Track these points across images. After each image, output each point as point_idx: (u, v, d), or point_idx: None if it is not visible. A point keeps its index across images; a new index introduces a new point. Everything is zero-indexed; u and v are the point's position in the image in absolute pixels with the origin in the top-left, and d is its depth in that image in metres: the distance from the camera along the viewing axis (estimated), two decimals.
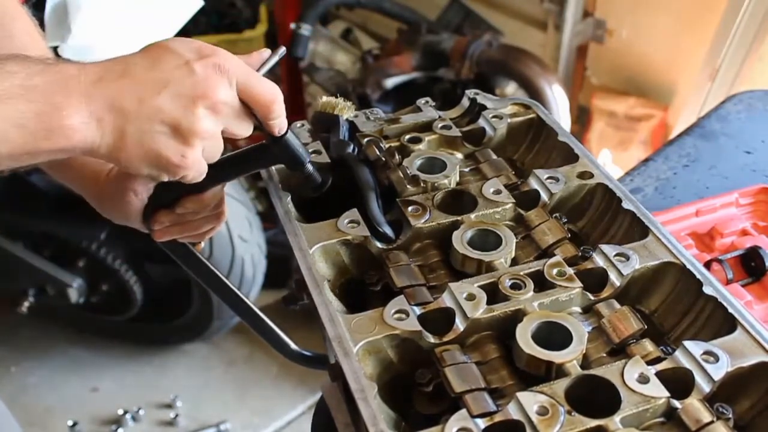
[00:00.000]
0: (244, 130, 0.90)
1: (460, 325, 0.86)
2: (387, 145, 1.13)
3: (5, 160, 0.79)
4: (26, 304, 2.76)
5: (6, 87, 0.76)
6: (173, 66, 0.83)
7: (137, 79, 0.82)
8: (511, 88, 3.02)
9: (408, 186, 1.06)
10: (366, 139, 1.13)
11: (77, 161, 1.09)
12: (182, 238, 1.09)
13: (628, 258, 0.94)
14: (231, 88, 0.85)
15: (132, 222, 1.06)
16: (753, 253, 1.23)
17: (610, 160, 3.15)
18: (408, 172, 1.07)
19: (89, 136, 0.81)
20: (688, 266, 0.93)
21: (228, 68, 0.85)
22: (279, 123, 0.92)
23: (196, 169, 0.88)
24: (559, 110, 2.83)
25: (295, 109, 3.83)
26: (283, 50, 0.97)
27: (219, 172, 1.00)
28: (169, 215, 1.04)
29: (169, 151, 0.84)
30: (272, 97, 0.89)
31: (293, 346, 1.20)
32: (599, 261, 0.94)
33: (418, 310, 0.88)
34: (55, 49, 1.59)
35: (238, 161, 1.00)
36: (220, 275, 1.15)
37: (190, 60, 0.83)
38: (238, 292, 1.17)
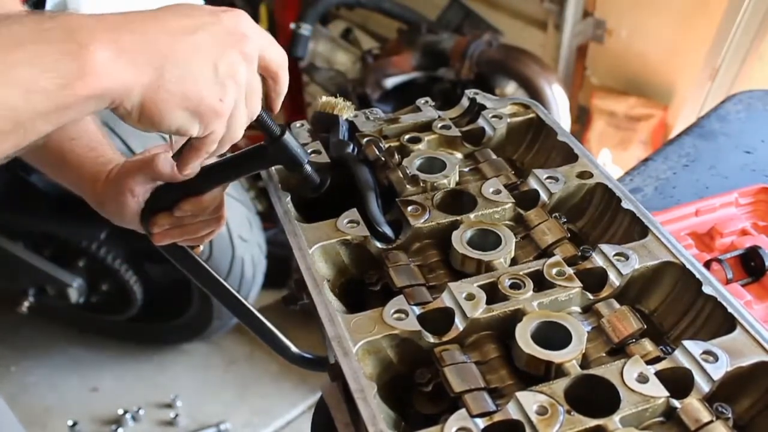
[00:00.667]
0: (257, 100, 0.87)
1: (459, 324, 0.86)
2: (386, 145, 1.13)
3: (37, 119, 0.70)
4: (26, 304, 2.77)
5: (15, 31, 0.68)
6: (201, 14, 0.81)
7: (168, 22, 0.78)
8: (511, 88, 3.02)
9: (407, 186, 1.06)
10: (365, 139, 1.13)
11: (75, 161, 1.09)
12: (181, 242, 1.09)
13: (627, 258, 0.94)
14: (255, 44, 0.84)
15: (130, 223, 1.06)
16: (753, 252, 1.23)
17: (610, 160, 3.15)
18: (407, 172, 1.07)
19: (122, 76, 0.73)
20: (688, 266, 0.93)
21: (252, 25, 0.84)
22: (281, 96, 0.91)
23: (232, 123, 0.85)
24: (559, 110, 2.83)
25: (295, 109, 3.83)
26: None
27: (218, 173, 1.01)
28: (168, 218, 1.03)
29: (210, 92, 0.80)
30: (284, 62, 0.88)
31: (293, 348, 1.20)
32: (599, 261, 0.94)
33: (417, 310, 0.88)
34: None
35: (237, 163, 1.00)
36: (219, 278, 1.15)
37: (216, 10, 0.82)
38: (238, 295, 1.17)
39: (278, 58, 0.88)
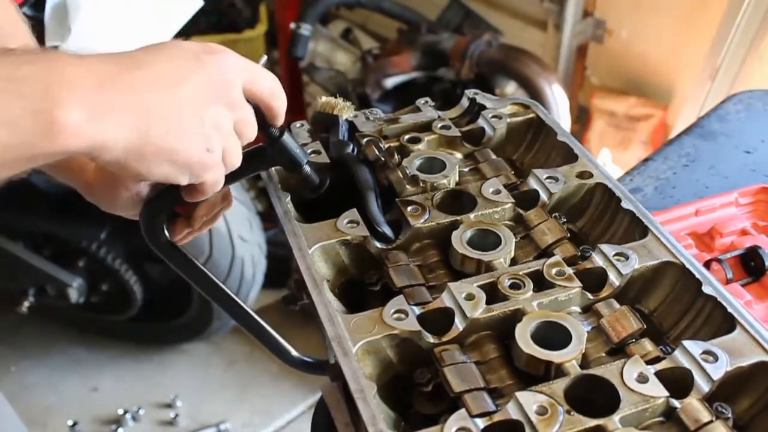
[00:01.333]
0: (251, 130, 0.87)
1: (459, 324, 0.86)
2: (386, 145, 1.13)
3: None
4: (26, 304, 2.77)
5: None
6: (185, 59, 0.79)
7: (152, 72, 0.75)
8: (511, 88, 3.02)
9: (407, 186, 1.06)
10: (365, 139, 1.13)
11: None
12: (197, 232, 1.09)
13: (627, 258, 0.94)
14: (239, 86, 0.83)
15: (120, 212, 1.04)
16: (753, 252, 1.23)
17: (610, 160, 3.15)
18: (407, 172, 1.07)
19: (100, 135, 0.69)
20: (688, 266, 0.93)
21: (235, 64, 0.83)
22: (280, 119, 0.91)
23: (216, 172, 0.84)
24: (559, 110, 2.83)
25: (295, 109, 3.83)
26: (264, 59, 0.97)
27: None
28: (186, 225, 1.04)
29: (196, 145, 0.79)
30: (274, 90, 0.88)
31: (294, 352, 1.20)
32: (598, 261, 0.94)
33: (417, 310, 0.88)
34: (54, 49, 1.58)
35: None
36: (217, 281, 1.15)
37: (199, 53, 0.80)
38: (237, 299, 1.16)
39: (267, 88, 0.87)
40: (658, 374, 0.79)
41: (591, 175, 1.08)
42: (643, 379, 0.78)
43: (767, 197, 1.38)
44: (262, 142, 0.96)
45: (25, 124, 0.65)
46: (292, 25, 3.38)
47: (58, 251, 2.77)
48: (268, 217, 3.18)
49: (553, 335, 0.84)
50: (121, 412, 2.87)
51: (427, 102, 1.25)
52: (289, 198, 1.06)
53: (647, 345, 0.86)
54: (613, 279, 0.93)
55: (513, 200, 1.04)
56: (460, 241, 0.96)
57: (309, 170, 1.00)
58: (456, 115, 1.24)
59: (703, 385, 0.79)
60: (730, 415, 0.78)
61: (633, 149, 3.13)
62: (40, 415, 2.88)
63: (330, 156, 1.11)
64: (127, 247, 2.74)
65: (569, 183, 1.07)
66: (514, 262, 0.98)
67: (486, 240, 0.98)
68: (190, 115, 0.78)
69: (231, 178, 1.02)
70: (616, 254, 0.94)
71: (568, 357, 0.81)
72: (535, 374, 0.82)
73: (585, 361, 0.85)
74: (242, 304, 1.16)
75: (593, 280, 0.93)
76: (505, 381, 0.84)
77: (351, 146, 1.11)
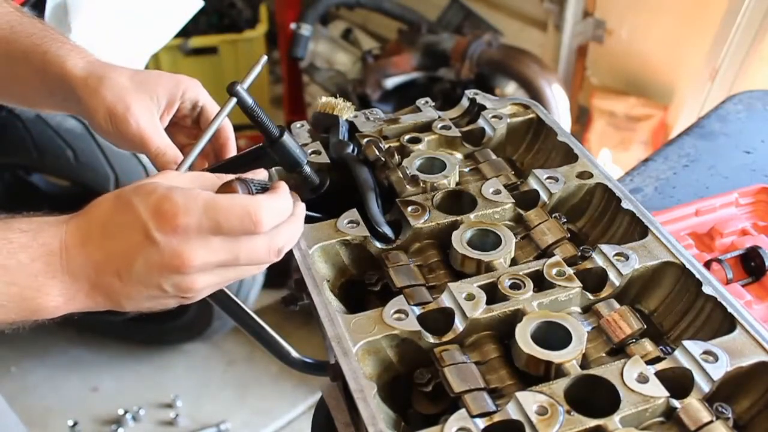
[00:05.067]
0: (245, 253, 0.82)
1: (459, 325, 0.86)
2: (386, 146, 1.13)
3: None
4: None
5: None
6: (135, 238, 0.78)
7: (109, 252, 0.79)
8: (511, 88, 3.02)
9: (407, 186, 1.06)
10: (365, 140, 1.13)
11: (72, 109, 1.08)
12: None
13: (627, 258, 0.94)
14: (203, 241, 0.78)
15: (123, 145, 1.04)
16: (753, 252, 1.23)
17: (610, 160, 3.15)
18: (407, 172, 1.07)
19: (77, 308, 0.80)
20: (688, 266, 0.93)
21: (189, 224, 0.77)
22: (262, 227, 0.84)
23: (203, 295, 0.85)
24: (559, 110, 2.83)
25: (295, 109, 3.83)
26: (264, 59, 0.97)
27: None
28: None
29: (169, 302, 0.83)
30: (246, 219, 0.79)
31: (294, 353, 1.20)
32: (599, 261, 0.94)
33: (417, 310, 0.88)
34: None
35: (237, 164, 1.00)
36: None
37: (149, 228, 0.77)
38: (238, 301, 1.16)
39: (237, 225, 0.79)
40: (659, 374, 0.79)
41: (591, 176, 1.08)
42: (643, 379, 0.78)
43: (767, 197, 1.38)
44: (262, 143, 0.97)
45: (13, 306, 0.76)
46: (293, 26, 3.39)
47: None
48: None
49: (553, 335, 0.84)
50: (121, 412, 2.87)
51: (427, 102, 1.25)
52: None
53: (647, 345, 0.86)
54: (613, 279, 0.93)
55: (513, 200, 1.04)
56: (460, 241, 0.96)
57: (309, 170, 1.00)
58: (456, 116, 1.24)
59: (703, 385, 0.79)
60: (730, 416, 0.78)
61: (633, 149, 3.13)
62: (40, 415, 2.88)
63: (330, 156, 1.11)
64: None
65: (569, 183, 1.07)
66: (514, 262, 0.98)
67: (486, 240, 0.98)
68: (149, 288, 0.80)
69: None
70: (616, 254, 0.94)
71: (568, 357, 0.81)
72: (535, 374, 0.82)
73: (585, 361, 0.85)
74: (242, 304, 1.16)
75: (593, 280, 0.93)
76: (505, 381, 0.84)
77: (351, 146, 1.11)
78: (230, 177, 0.87)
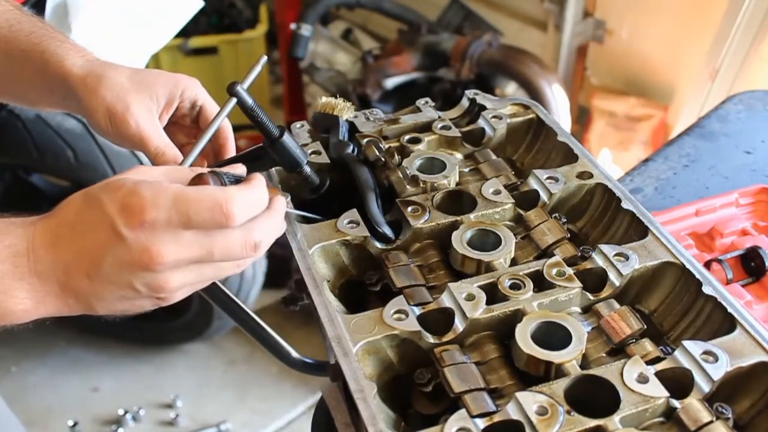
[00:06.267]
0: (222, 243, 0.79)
1: (459, 325, 0.86)
2: (386, 146, 1.13)
3: None
4: None
5: None
6: (102, 235, 0.75)
7: (77, 251, 0.76)
8: (511, 88, 3.02)
9: (407, 186, 1.06)
10: (365, 140, 1.13)
11: (72, 107, 1.07)
12: None
13: (627, 258, 0.94)
14: (173, 236, 0.75)
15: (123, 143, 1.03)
16: (753, 253, 1.23)
17: (610, 160, 3.15)
18: (407, 172, 1.07)
19: (47, 312, 0.78)
20: (688, 266, 0.93)
21: (157, 218, 0.74)
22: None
23: (180, 296, 0.82)
24: (559, 110, 2.83)
25: (295, 109, 3.83)
26: (264, 59, 0.97)
27: None
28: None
29: (143, 303, 0.81)
30: (216, 211, 0.76)
31: (294, 353, 1.20)
32: (599, 261, 0.94)
33: (417, 311, 0.88)
34: None
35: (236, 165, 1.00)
36: (218, 283, 1.15)
37: (116, 224, 0.74)
38: (238, 301, 1.16)
39: (207, 218, 0.77)
40: (659, 374, 0.79)
41: (591, 176, 1.08)
42: (643, 379, 0.78)
43: (767, 197, 1.38)
44: (262, 143, 0.97)
45: None
46: (293, 26, 3.39)
47: None
48: None
49: (553, 335, 0.84)
50: (121, 412, 2.87)
51: (427, 102, 1.25)
52: (289, 198, 1.06)
53: (647, 345, 0.86)
54: (613, 279, 0.93)
55: (513, 200, 1.04)
56: (460, 241, 0.96)
57: (309, 170, 1.00)
58: (456, 116, 1.24)
59: (703, 386, 0.79)
60: (730, 416, 0.78)
61: (633, 149, 3.13)
62: (40, 415, 2.88)
63: (330, 156, 1.11)
64: None
65: (569, 183, 1.07)
66: (514, 262, 0.98)
67: (486, 240, 0.98)
68: (120, 288, 0.78)
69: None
70: (616, 254, 0.94)
71: (568, 357, 0.81)
72: (535, 374, 0.82)
73: (585, 362, 0.85)
74: (242, 305, 1.16)
75: (593, 281, 0.93)
76: (505, 381, 0.84)
77: (351, 147, 1.11)
78: (203, 170, 0.84)
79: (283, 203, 0.87)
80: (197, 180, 0.81)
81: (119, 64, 1.03)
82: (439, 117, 1.21)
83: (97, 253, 0.76)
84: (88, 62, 1.03)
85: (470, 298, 0.88)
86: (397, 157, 1.10)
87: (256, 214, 0.81)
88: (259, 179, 0.84)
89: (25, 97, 1.15)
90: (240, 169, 0.91)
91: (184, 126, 1.10)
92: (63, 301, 0.78)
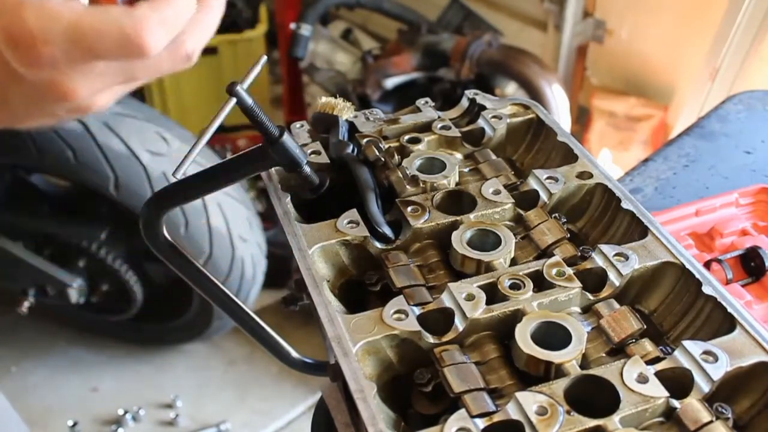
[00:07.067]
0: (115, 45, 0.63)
1: (459, 325, 0.86)
2: (386, 146, 1.13)
3: None
4: (26, 304, 2.77)
5: None
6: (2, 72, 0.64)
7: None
8: (511, 88, 3.03)
9: (407, 186, 1.06)
10: (365, 140, 1.13)
11: None
12: None
13: (627, 258, 0.94)
14: (82, 68, 0.64)
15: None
16: (753, 253, 1.23)
17: (610, 160, 3.16)
18: (407, 172, 1.07)
19: None
20: (688, 266, 0.93)
21: (53, 53, 0.61)
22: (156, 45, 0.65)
23: (112, 102, 0.71)
24: (559, 110, 2.83)
25: (295, 109, 3.83)
26: (264, 59, 0.97)
27: (218, 176, 1.00)
28: None
29: (72, 116, 0.71)
30: (126, 45, 0.62)
31: (294, 354, 1.20)
32: (598, 261, 0.94)
33: (417, 310, 0.88)
34: None
35: (236, 165, 1.00)
36: (217, 283, 1.15)
37: (8, 61, 0.63)
38: (238, 301, 1.16)
39: (114, 47, 0.63)
40: (658, 374, 0.79)
41: (591, 176, 1.08)
42: (643, 379, 0.78)
43: (767, 197, 1.38)
44: (261, 142, 0.97)
45: None
46: (293, 26, 3.39)
47: (58, 251, 2.77)
48: (268, 217, 3.18)
49: (553, 335, 0.84)
50: (121, 412, 2.87)
51: (427, 102, 1.25)
52: (289, 198, 1.06)
53: (647, 345, 0.86)
54: (613, 279, 0.93)
55: (513, 200, 1.04)
56: (460, 241, 0.96)
57: (309, 170, 1.00)
58: (456, 116, 1.24)
59: (703, 386, 0.79)
60: (730, 416, 0.78)
61: (633, 149, 3.13)
62: (40, 415, 2.88)
63: (330, 156, 1.11)
64: (127, 247, 2.75)
65: (569, 183, 1.07)
66: (514, 262, 0.98)
67: (486, 240, 0.98)
68: (41, 117, 0.70)
69: (232, 178, 1.03)
70: (616, 254, 0.94)
71: (568, 357, 0.81)
72: (535, 374, 0.82)
73: (585, 362, 0.85)
74: (242, 305, 1.16)
75: (593, 281, 0.93)
76: (505, 381, 0.84)
77: (351, 147, 1.11)
78: None
79: None
80: None
81: None
82: (439, 117, 1.21)
83: (1, 90, 0.66)
84: None
85: (470, 298, 0.88)
86: (397, 157, 1.10)
87: (180, 29, 0.68)
88: None
89: None
90: None
91: None
92: None
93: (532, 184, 1.07)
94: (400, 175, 1.07)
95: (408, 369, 0.87)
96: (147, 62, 0.67)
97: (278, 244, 3.02)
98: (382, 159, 1.09)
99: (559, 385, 0.78)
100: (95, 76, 0.65)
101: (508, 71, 2.94)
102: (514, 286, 0.91)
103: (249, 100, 0.91)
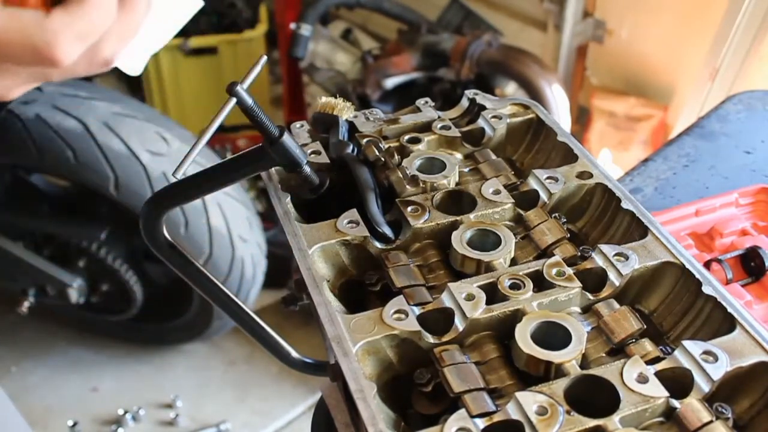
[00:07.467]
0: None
1: (459, 325, 0.86)
2: (386, 146, 1.13)
3: None
4: (26, 304, 2.77)
5: None
6: None
7: None
8: (511, 88, 3.03)
9: (407, 186, 1.06)
10: (365, 140, 1.13)
11: None
12: None
13: (627, 258, 0.94)
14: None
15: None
16: (753, 253, 1.23)
17: (610, 160, 3.16)
18: (407, 172, 1.07)
19: None
20: (688, 266, 0.93)
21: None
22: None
23: (18, 94, 0.70)
24: (559, 110, 2.83)
25: (295, 109, 3.83)
26: (264, 59, 0.97)
27: (218, 176, 1.00)
28: None
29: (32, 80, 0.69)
30: (37, 57, 0.60)
31: (294, 354, 1.20)
32: (598, 261, 0.94)
33: (417, 310, 0.88)
34: None
35: (236, 165, 1.00)
36: (217, 283, 1.15)
37: None
38: (238, 301, 1.16)
39: (27, 48, 0.61)
40: (658, 374, 0.79)
41: (591, 176, 1.08)
42: (643, 379, 0.78)
43: (767, 197, 1.38)
44: (261, 142, 0.97)
45: None
46: (292, 26, 3.39)
47: (58, 251, 2.77)
48: (268, 217, 3.18)
49: (553, 335, 0.84)
50: (121, 412, 2.88)
51: (427, 102, 1.25)
52: (289, 198, 1.06)
53: (647, 345, 0.86)
54: (613, 279, 0.93)
55: (513, 200, 1.04)
56: (460, 241, 0.96)
57: (309, 170, 1.00)
58: (456, 116, 1.24)
59: (703, 386, 0.79)
60: (730, 416, 0.78)
61: (633, 149, 3.13)
62: (40, 415, 2.88)
63: (330, 156, 1.11)
64: (127, 247, 2.75)
65: (569, 183, 1.07)
66: (514, 262, 0.98)
67: (486, 240, 0.98)
68: None
69: (232, 178, 1.02)
70: (616, 254, 0.94)
71: (568, 357, 0.81)
72: (535, 374, 0.82)
73: (585, 361, 0.85)
74: (242, 305, 1.16)
75: (593, 281, 0.93)
76: (505, 381, 0.84)
77: (351, 146, 1.11)
78: None
79: None
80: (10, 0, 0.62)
81: None
82: (439, 117, 1.21)
83: None
84: None
85: (470, 298, 0.88)
86: (397, 157, 1.10)
87: (96, 38, 0.65)
88: None
89: None
90: None
91: None
92: None
93: (532, 184, 1.07)
94: (400, 175, 1.07)
95: (408, 369, 0.87)
96: (61, 70, 0.66)
97: (278, 244, 3.03)
98: (382, 159, 1.09)
99: (559, 385, 0.78)
100: (9, 74, 0.64)
101: (508, 71, 2.94)
102: (514, 286, 0.91)
103: (249, 100, 0.91)
